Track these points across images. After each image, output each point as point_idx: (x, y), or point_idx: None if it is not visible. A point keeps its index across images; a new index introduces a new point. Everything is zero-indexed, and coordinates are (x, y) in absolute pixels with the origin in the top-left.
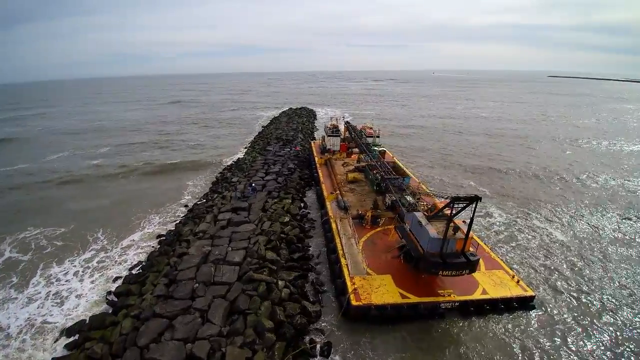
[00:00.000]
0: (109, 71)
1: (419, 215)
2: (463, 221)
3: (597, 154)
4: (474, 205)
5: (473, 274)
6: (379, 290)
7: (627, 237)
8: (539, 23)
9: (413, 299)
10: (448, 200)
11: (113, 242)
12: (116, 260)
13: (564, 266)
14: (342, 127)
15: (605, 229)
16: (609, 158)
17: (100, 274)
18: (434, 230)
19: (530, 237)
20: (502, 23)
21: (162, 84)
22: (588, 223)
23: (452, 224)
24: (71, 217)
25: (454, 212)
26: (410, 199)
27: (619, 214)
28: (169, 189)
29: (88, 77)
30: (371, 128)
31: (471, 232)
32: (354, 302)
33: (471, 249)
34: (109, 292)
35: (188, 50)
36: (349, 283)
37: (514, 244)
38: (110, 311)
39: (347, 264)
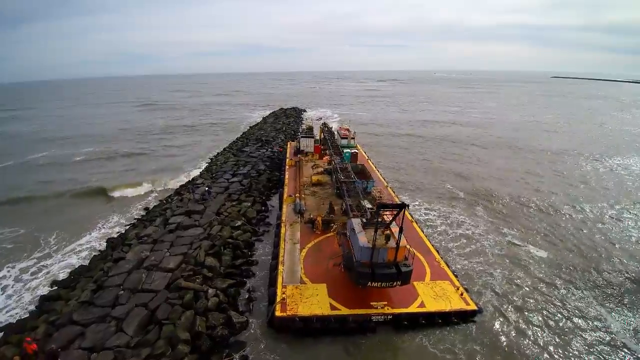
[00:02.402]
0: (114, 70)
1: (356, 222)
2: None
3: (599, 172)
4: (402, 213)
5: (417, 284)
6: (309, 300)
7: (598, 264)
8: (545, 23)
9: (343, 310)
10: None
11: (62, 244)
12: (59, 263)
13: (526, 284)
14: (318, 129)
15: (584, 252)
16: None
17: (39, 275)
18: (364, 238)
19: (497, 252)
20: (508, 23)
21: (161, 83)
22: (566, 244)
23: (385, 232)
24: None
25: (386, 219)
26: (367, 204)
27: (601, 239)
28: (136, 193)
29: (93, 76)
30: (347, 129)
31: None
32: (278, 313)
33: (423, 257)
34: (43, 297)
35: (195, 50)
36: (279, 292)
37: (479, 259)
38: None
39: (282, 272)
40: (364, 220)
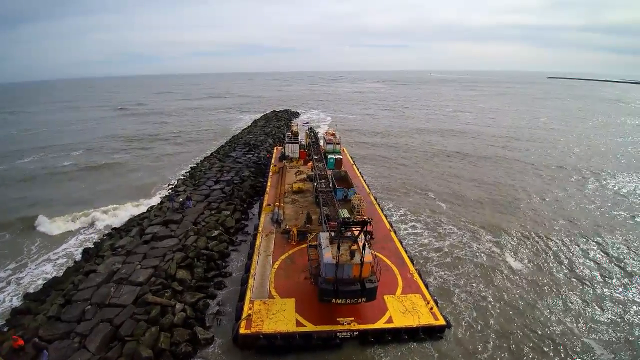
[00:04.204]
0: (114, 70)
1: (324, 236)
2: (369, 244)
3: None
4: (365, 229)
5: (387, 298)
6: (276, 316)
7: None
8: (545, 23)
9: (309, 327)
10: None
11: (41, 252)
12: (34, 274)
13: (502, 299)
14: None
15: (564, 267)
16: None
17: (8, 289)
18: (329, 254)
19: (477, 262)
20: (507, 23)
21: (158, 84)
22: (548, 260)
23: (351, 248)
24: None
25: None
26: (345, 213)
27: (581, 254)
28: (113, 207)
29: (93, 76)
30: (333, 134)
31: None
32: (242, 330)
33: (397, 269)
34: (14, 309)
35: (194, 50)
36: (245, 308)
37: (458, 270)
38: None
39: (252, 286)
40: (332, 234)
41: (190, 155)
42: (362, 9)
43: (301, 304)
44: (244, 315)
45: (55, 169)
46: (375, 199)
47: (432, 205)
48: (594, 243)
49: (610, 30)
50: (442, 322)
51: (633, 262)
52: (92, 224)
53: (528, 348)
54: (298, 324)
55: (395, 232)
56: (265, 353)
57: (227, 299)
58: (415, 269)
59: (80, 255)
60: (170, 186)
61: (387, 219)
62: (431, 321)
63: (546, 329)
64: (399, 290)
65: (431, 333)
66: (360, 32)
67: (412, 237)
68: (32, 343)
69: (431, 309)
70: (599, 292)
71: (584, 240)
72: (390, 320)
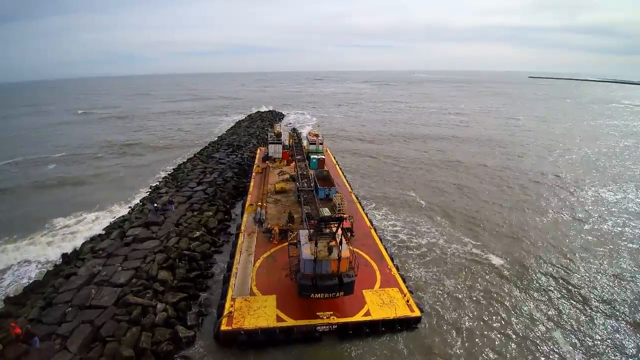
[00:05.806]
0: (110, 70)
1: (303, 233)
2: (348, 241)
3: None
4: (341, 225)
5: (366, 292)
6: (257, 312)
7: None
8: (529, 24)
9: (289, 322)
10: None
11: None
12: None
13: (478, 293)
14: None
15: (544, 268)
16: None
17: None
18: (307, 250)
19: (455, 260)
20: (493, 24)
21: (145, 84)
22: (527, 258)
23: (330, 244)
24: None
25: (330, 231)
26: (326, 212)
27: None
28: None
29: (84, 76)
30: (316, 135)
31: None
32: (223, 327)
33: (376, 264)
34: None
35: (179, 50)
36: (227, 305)
37: (437, 267)
38: None
39: (233, 284)
40: (311, 231)
41: (172, 158)
42: (351, 9)
43: (282, 300)
44: (225, 312)
45: (33, 178)
46: (357, 198)
47: (412, 206)
48: (569, 244)
49: (594, 31)
50: (417, 313)
51: (594, 250)
52: (73, 234)
53: (495, 338)
54: (279, 319)
55: (375, 230)
56: (247, 348)
57: (209, 298)
58: (394, 265)
59: (60, 259)
60: (151, 188)
61: (367, 217)
62: (407, 313)
63: (517, 324)
64: (378, 285)
65: (407, 324)
66: (348, 33)
67: (391, 234)
68: (25, 330)
69: (407, 301)
70: (575, 290)
71: (561, 239)
72: (368, 313)
